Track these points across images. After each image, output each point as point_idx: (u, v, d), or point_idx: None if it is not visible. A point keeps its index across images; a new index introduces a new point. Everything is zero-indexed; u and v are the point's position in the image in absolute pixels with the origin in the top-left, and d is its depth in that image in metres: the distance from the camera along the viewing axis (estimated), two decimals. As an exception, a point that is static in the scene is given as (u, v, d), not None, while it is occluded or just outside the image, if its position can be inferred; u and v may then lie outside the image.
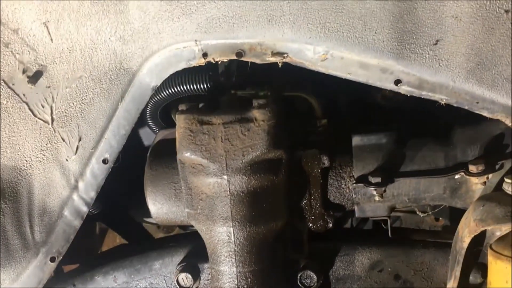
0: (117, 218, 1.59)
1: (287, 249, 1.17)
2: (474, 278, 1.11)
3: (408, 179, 1.13)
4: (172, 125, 1.33)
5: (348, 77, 1.04)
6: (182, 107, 1.08)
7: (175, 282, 1.20)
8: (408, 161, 1.14)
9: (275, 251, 1.13)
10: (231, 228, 1.08)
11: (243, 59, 1.06)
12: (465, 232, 1.02)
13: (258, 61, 1.06)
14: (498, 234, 1.03)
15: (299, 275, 1.16)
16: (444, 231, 1.24)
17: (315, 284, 1.15)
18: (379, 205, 1.17)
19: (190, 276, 1.20)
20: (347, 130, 1.20)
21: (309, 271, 1.16)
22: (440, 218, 1.70)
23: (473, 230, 0.99)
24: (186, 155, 1.06)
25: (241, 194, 1.07)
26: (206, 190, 1.09)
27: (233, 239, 1.08)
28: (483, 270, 1.10)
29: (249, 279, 1.10)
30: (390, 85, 1.03)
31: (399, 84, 1.02)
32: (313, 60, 1.04)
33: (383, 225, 1.22)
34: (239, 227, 1.08)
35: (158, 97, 1.24)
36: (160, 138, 1.28)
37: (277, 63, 1.06)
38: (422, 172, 1.13)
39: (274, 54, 1.04)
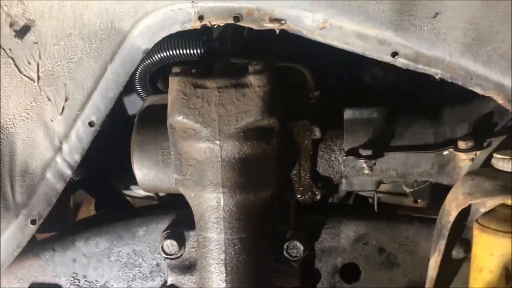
0: (99, 186, 1.56)
1: (274, 220, 1.17)
2: (456, 253, 1.13)
3: (398, 153, 1.14)
4: (161, 91, 1.32)
5: (345, 47, 1.03)
6: (175, 69, 1.06)
7: (160, 249, 1.19)
8: (398, 137, 1.15)
9: (263, 221, 1.13)
10: (221, 195, 1.07)
11: (240, 23, 1.04)
12: (453, 206, 1.04)
13: (255, 26, 1.04)
14: (483, 210, 1.05)
15: (285, 245, 1.16)
16: (427, 208, 1.26)
17: (301, 254, 1.16)
18: (367, 179, 1.18)
19: (175, 243, 1.18)
20: (338, 104, 1.20)
21: (295, 242, 1.16)
22: (419, 200, 1.73)
23: (461, 203, 1.00)
24: (178, 118, 1.04)
25: (233, 160, 1.05)
26: (197, 155, 1.07)
27: (222, 206, 1.07)
28: (466, 245, 1.12)
29: (236, 246, 1.09)
30: (387, 57, 1.02)
31: (396, 57, 1.02)
32: (311, 28, 1.03)
33: (369, 201, 1.24)
34: (229, 193, 1.07)
35: (148, 61, 1.22)
36: (148, 103, 1.25)
37: (273, 30, 1.05)
38: (412, 147, 1.14)
39: (272, 20, 1.03)
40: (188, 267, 1.19)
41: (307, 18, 1.01)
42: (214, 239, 1.09)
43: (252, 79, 1.02)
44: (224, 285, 1.10)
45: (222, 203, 1.07)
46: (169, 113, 1.07)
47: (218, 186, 1.06)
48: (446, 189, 1.27)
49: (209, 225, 1.09)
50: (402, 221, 1.21)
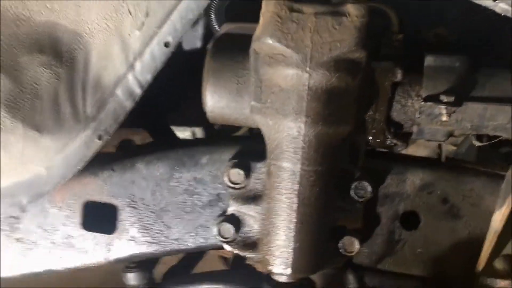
0: (151, 117, 1.55)
1: (344, 158, 1.16)
2: (522, 209, 1.14)
3: (476, 104, 1.13)
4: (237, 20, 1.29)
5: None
6: (268, -10, 1.03)
7: (226, 177, 1.18)
8: (479, 87, 1.14)
9: (337, 157, 1.12)
10: (303, 124, 1.05)
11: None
12: (533, 159, 1.04)
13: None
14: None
15: (353, 185, 1.16)
16: (495, 165, 1.26)
17: (368, 196, 1.16)
18: (439, 128, 1.18)
19: (242, 172, 1.17)
20: (418, 49, 1.19)
21: (363, 182, 1.15)
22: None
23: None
24: (268, 41, 1.02)
25: (319, 90, 1.04)
26: (282, 82, 1.06)
27: (302, 135, 1.06)
28: (532, 202, 1.14)
29: (311, 178, 1.08)
30: (487, 1, 1.01)
31: (496, 1, 1.00)
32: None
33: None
34: (311, 124, 1.05)
35: (231, -15, 1.19)
36: (223, 31, 1.23)
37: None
38: (492, 99, 1.13)
39: None
40: (252, 198, 1.19)
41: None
42: (289, 168, 1.09)
43: (350, 8, 1.00)
44: (295, 215, 1.10)
45: (303, 132, 1.06)
46: (258, 36, 1.04)
47: (302, 115, 1.05)
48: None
49: (286, 155, 1.08)
50: (469, 173, 1.21)
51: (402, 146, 1.22)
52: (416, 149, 1.91)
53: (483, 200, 1.20)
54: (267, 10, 1.02)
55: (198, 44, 1.56)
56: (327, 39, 1.01)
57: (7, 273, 1.31)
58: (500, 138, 1.21)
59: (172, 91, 1.55)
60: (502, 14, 1.02)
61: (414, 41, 1.41)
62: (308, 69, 1.02)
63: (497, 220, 1.13)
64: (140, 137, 1.82)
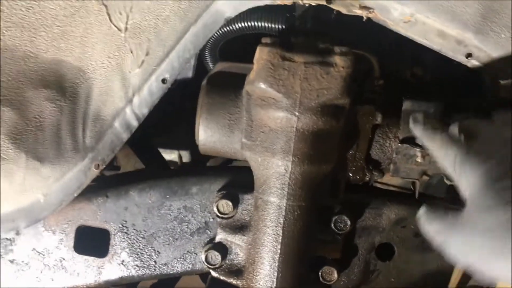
0: (142, 143, 1.61)
1: (325, 193, 1.25)
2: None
3: (448, 147, 1.23)
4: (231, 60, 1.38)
5: (424, 42, 1.12)
6: (266, 40, 1.12)
7: (215, 207, 1.25)
8: (451, 132, 1.24)
9: (319, 192, 1.21)
10: (290, 163, 1.14)
11: (331, 6, 1.11)
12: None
13: (344, 11, 1.12)
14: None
15: (333, 218, 1.25)
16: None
17: (348, 228, 1.24)
18: (413, 167, 1.27)
19: (230, 203, 1.25)
20: (397, 92, 1.29)
21: (343, 216, 1.24)
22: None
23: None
24: (260, 86, 1.11)
25: (306, 132, 1.13)
26: (271, 123, 1.14)
27: (289, 173, 1.14)
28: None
29: (295, 213, 1.17)
30: (460, 57, 1.12)
31: (469, 58, 1.11)
32: (396, 20, 1.11)
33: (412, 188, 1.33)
34: (298, 162, 1.14)
35: (226, 29, 1.27)
36: (218, 69, 1.30)
37: (359, 17, 1.12)
38: (462, 143, 1.24)
39: (362, 7, 1.11)
40: (239, 228, 1.26)
41: (395, 10, 1.09)
42: (275, 203, 1.17)
43: (338, 60, 1.09)
44: (279, 246, 1.17)
45: (289, 170, 1.14)
46: (252, 80, 1.13)
47: (289, 154, 1.14)
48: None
49: (273, 190, 1.16)
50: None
51: (379, 176, 1.32)
52: (390, 178, 2.02)
53: (452, 235, 1.30)
54: (261, 57, 1.11)
55: (189, 74, 1.64)
56: (315, 87, 1.10)
57: (-3, 292, 1.35)
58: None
59: (160, 116, 1.61)
60: (473, 70, 1.13)
61: (392, 79, 1.53)
62: (297, 113, 1.11)
63: (464, 254, 1.23)
64: (123, 154, 1.88)
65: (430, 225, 0.95)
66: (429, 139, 1.04)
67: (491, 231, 0.81)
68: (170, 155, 1.94)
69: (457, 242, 0.88)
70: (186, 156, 1.96)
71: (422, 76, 1.52)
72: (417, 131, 1.10)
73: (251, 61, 1.14)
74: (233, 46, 1.43)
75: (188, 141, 1.95)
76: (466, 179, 0.91)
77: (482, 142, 0.94)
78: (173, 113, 1.68)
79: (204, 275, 2.16)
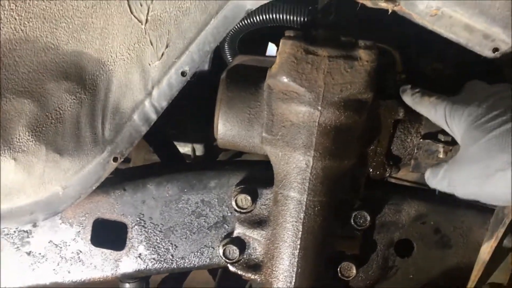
0: (157, 136, 1.60)
1: (345, 189, 1.24)
2: (507, 242, 1.23)
3: (469, 144, 1.22)
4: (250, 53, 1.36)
5: (450, 36, 1.10)
6: (289, 33, 1.10)
7: (233, 201, 1.25)
8: (473, 128, 1.22)
9: (340, 187, 1.20)
10: (311, 158, 1.13)
11: (356, -1, 1.10)
12: (522, 198, 1.13)
13: (369, 4, 1.10)
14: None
15: (353, 214, 1.24)
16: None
17: (367, 224, 1.23)
18: (434, 163, 1.26)
19: (249, 198, 1.24)
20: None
21: (363, 212, 1.23)
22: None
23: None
24: (283, 80, 1.09)
25: (328, 127, 1.11)
26: (293, 118, 1.13)
27: (310, 168, 1.13)
28: (517, 236, 1.23)
29: (316, 208, 1.16)
30: (487, 52, 1.10)
31: (496, 52, 1.09)
32: (422, 14, 1.09)
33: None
34: (319, 157, 1.13)
35: (247, 21, 1.26)
36: (237, 62, 1.29)
37: (385, 10, 1.10)
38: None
39: (387, 0, 1.09)
40: (258, 222, 1.25)
41: (421, 3, 1.07)
42: (296, 198, 1.16)
43: (362, 53, 1.08)
44: (299, 242, 1.17)
45: (311, 165, 1.13)
46: (274, 74, 1.11)
47: (310, 149, 1.12)
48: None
49: (294, 185, 1.15)
50: (460, 206, 1.29)
51: (394, 171, 1.31)
52: (406, 173, 2.00)
53: (472, 232, 1.29)
54: (284, 51, 1.09)
55: (205, 66, 1.63)
56: (338, 81, 1.08)
57: (13, 284, 1.35)
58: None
59: (175, 109, 1.61)
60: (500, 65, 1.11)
61: (413, 74, 1.51)
62: (319, 107, 1.10)
63: (485, 251, 1.21)
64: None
65: (435, 177, 1.09)
66: (419, 103, 1.14)
67: (477, 160, 0.96)
68: (183, 148, 1.94)
69: (457, 177, 1.03)
70: (199, 150, 1.96)
71: (442, 71, 1.51)
72: (407, 99, 1.17)
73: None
74: (251, 38, 1.42)
75: (201, 134, 1.96)
76: (456, 124, 1.03)
77: (466, 92, 1.08)
78: (187, 105, 1.67)
79: (213, 270, 2.18)
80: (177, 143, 1.90)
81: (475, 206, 1.30)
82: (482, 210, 1.29)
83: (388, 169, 1.26)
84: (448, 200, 1.31)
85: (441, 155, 1.22)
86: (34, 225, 1.31)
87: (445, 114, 1.06)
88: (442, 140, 1.20)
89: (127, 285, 1.49)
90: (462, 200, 1.31)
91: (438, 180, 1.08)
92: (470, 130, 0.99)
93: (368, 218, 1.23)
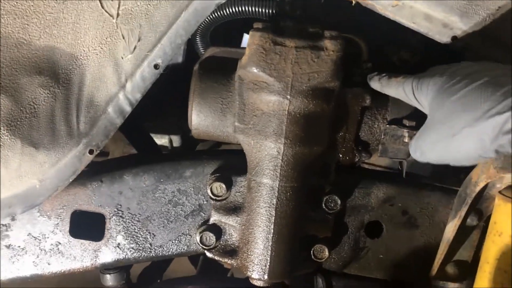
0: (133, 128, 1.62)
1: (316, 174, 1.29)
2: (471, 220, 1.29)
3: (434, 128, 1.28)
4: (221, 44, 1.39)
5: (412, 26, 1.15)
6: (257, 25, 1.14)
7: (209, 189, 1.28)
8: (437, 112, 1.28)
9: (311, 173, 1.24)
10: (282, 145, 1.17)
11: (322, -10, 1.14)
12: (482, 178, 1.19)
13: (334, -5, 1.14)
14: (498, 185, 1.21)
15: (324, 198, 1.29)
16: (450, 180, 1.41)
17: (338, 208, 1.28)
18: (401, 148, 1.31)
19: (224, 186, 1.28)
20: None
21: (334, 196, 1.28)
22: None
23: (492, 176, 1.15)
24: (253, 70, 1.13)
25: (297, 115, 1.16)
26: (264, 107, 1.17)
27: (281, 155, 1.18)
28: (479, 214, 1.29)
29: (288, 194, 1.20)
30: (446, 40, 1.15)
31: (454, 40, 1.14)
32: (385, 5, 1.13)
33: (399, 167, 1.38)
34: (290, 144, 1.17)
35: (217, 13, 1.29)
36: (209, 54, 1.32)
37: (349, 1, 1.15)
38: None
39: (351, -9, 1.13)
40: (233, 209, 1.29)
41: (384, -6, 1.12)
42: (268, 184, 1.20)
43: (328, 44, 1.12)
44: (272, 226, 1.21)
45: (282, 152, 1.17)
46: (244, 65, 1.15)
47: (281, 137, 1.17)
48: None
49: (266, 172, 1.20)
50: (426, 188, 1.35)
51: (366, 157, 1.36)
52: (377, 158, 2.06)
53: (437, 212, 1.35)
54: (253, 42, 1.13)
55: (179, 59, 1.65)
56: (306, 70, 1.12)
57: (-7, 277, 1.37)
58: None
59: (150, 101, 1.63)
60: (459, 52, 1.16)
61: (380, 62, 1.56)
62: (288, 96, 1.14)
63: (450, 230, 1.28)
64: (112, 139, 1.89)
65: (411, 149, 1.14)
66: (387, 85, 1.19)
67: (442, 122, 1.02)
68: (160, 140, 1.96)
69: (425, 143, 1.08)
70: (176, 141, 1.99)
71: (408, 60, 1.56)
72: (375, 84, 1.23)
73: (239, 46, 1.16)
74: (222, 30, 1.45)
75: (178, 126, 1.98)
76: (424, 95, 1.09)
77: (430, 70, 1.12)
78: (163, 98, 1.70)
79: (194, 258, 2.22)
80: (154, 135, 1.92)
81: (440, 188, 1.36)
82: (447, 192, 1.35)
83: (357, 155, 1.31)
84: (414, 183, 1.37)
85: (406, 140, 1.27)
86: (13, 219, 1.33)
87: (412, 89, 1.11)
88: (407, 125, 1.25)
89: (108, 276, 1.52)
90: (428, 183, 1.39)
91: (412, 151, 1.14)
92: (436, 96, 1.04)
93: (339, 201, 1.28)
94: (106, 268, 1.46)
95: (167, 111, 1.88)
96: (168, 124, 1.94)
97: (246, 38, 1.74)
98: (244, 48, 1.24)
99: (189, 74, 1.35)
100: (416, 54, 1.53)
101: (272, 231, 1.22)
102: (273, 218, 1.21)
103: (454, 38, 1.14)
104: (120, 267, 1.51)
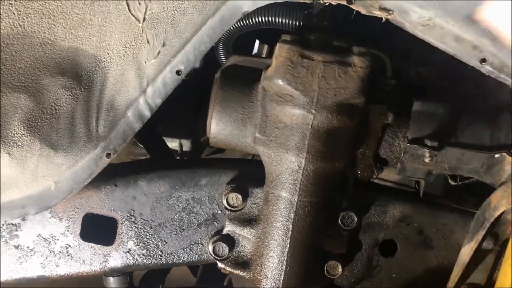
0: (147, 132, 1.60)
1: (335, 189, 1.27)
2: (487, 244, 1.28)
3: (455, 149, 1.26)
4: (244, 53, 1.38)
5: (441, 46, 1.14)
6: (286, 37, 1.12)
7: (224, 199, 1.27)
8: (458, 133, 1.27)
9: (329, 188, 1.23)
10: (303, 159, 1.16)
11: (352, 6, 1.12)
12: (502, 203, 1.18)
13: (363, 11, 1.12)
14: (516, 212, 1.20)
15: (341, 214, 1.27)
16: (467, 202, 1.40)
17: (354, 224, 1.27)
18: (419, 167, 1.30)
19: (240, 196, 1.26)
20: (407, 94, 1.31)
21: (350, 212, 1.27)
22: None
23: (512, 202, 1.15)
24: (278, 82, 1.12)
25: (321, 130, 1.14)
26: (287, 120, 1.15)
27: (302, 169, 1.16)
28: (496, 238, 1.28)
29: (306, 209, 1.19)
30: (475, 62, 1.13)
31: (483, 63, 1.13)
32: (415, 23, 1.12)
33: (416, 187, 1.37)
34: (311, 159, 1.16)
35: (243, 22, 1.27)
36: (231, 62, 1.31)
37: (379, 18, 1.13)
38: (469, 145, 1.27)
39: (381, 8, 1.11)
40: (248, 221, 1.28)
41: (414, 12, 1.10)
42: (287, 198, 1.19)
43: (356, 60, 1.11)
44: (289, 241, 1.20)
45: (303, 167, 1.16)
46: (269, 76, 1.14)
47: (303, 151, 1.15)
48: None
49: (285, 185, 1.18)
50: (444, 209, 1.34)
51: (378, 173, 1.34)
52: (388, 173, 2.05)
53: (453, 234, 1.34)
54: (280, 54, 1.11)
55: (196, 64, 1.63)
56: (332, 85, 1.11)
57: (1, 277, 1.35)
58: (472, 180, 1.35)
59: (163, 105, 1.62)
60: (487, 75, 1.15)
61: (398, 78, 1.55)
62: (313, 111, 1.12)
63: (466, 253, 1.26)
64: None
65: None
66: None
67: None
68: (170, 144, 1.94)
69: None
70: (186, 145, 1.97)
71: (425, 75, 1.56)
72: None
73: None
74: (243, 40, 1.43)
75: (189, 130, 1.96)
76: None
77: None
78: (175, 101, 1.68)
79: (193, 268, 2.19)
80: (165, 138, 1.91)
81: (457, 209, 1.35)
82: (464, 213, 1.34)
83: (375, 171, 1.29)
84: (432, 203, 1.36)
85: (426, 160, 1.26)
86: (23, 219, 1.31)
87: None
88: (429, 145, 1.24)
89: (111, 278, 1.50)
90: (445, 203, 1.38)
91: None
92: None
93: (355, 218, 1.27)
94: (117, 273, 1.44)
95: (179, 115, 1.87)
96: (180, 128, 1.93)
97: (257, 44, 1.73)
98: (267, 58, 1.23)
99: (202, 78, 1.33)
100: (432, 70, 1.54)
101: (288, 245, 1.20)
102: (290, 232, 1.19)
103: (482, 61, 1.13)
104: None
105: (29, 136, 1.10)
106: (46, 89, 1.10)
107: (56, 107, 1.13)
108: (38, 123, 1.11)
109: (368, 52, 1.13)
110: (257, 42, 1.66)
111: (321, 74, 1.10)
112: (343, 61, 1.11)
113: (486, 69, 1.14)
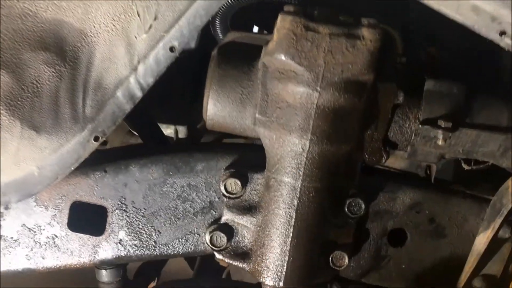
0: (141, 119, 1.51)
1: (340, 174, 1.18)
2: (503, 232, 1.20)
3: (471, 130, 1.17)
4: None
5: (457, 17, 1.04)
6: (288, 8, 1.03)
7: (222, 186, 1.18)
8: (474, 114, 1.18)
9: (335, 173, 1.14)
10: (307, 141, 1.07)
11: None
12: (521, 189, 1.10)
13: (374, -19, 1.04)
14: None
15: (347, 201, 1.18)
16: (481, 187, 1.31)
17: (362, 212, 1.18)
18: (431, 151, 1.21)
19: (239, 183, 1.18)
20: (418, 73, 1.22)
21: (358, 199, 1.18)
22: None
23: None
24: (280, 57, 1.02)
25: (327, 109, 1.05)
26: (290, 98, 1.06)
27: (306, 152, 1.07)
28: (512, 227, 1.20)
29: (311, 195, 1.10)
30: (494, 35, 1.04)
31: (503, 36, 1.04)
32: (429, -8, 1.03)
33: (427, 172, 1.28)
34: (316, 141, 1.07)
35: (241, -5, 1.18)
36: (229, 39, 1.21)
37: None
38: (485, 126, 1.18)
39: (393, -24, 1.03)
40: (247, 208, 1.19)
41: (428, -19, 1.02)
42: (289, 184, 1.10)
43: (365, 32, 1.01)
44: (292, 230, 1.11)
45: (307, 149, 1.07)
46: (270, 51, 1.04)
47: (307, 133, 1.06)
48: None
49: (288, 170, 1.09)
50: (456, 195, 1.26)
51: (387, 157, 1.26)
52: (394, 161, 1.96)
53: (467, 222, 1.26)
54: (282, 27, 1.02)
55: (192, 44, 1.54)
56: (339, 60, 1.02)
57: (-17, 269, 1.26)
58: (487, 164, 1.27)
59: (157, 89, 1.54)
60: (506, 49, 1.06)
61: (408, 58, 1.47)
62: (318, 88, 1.03)
63: (481, 242, 1.19)
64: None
65: None
66: None
67: None
68: (165, 130, 1.85)
69: None
70: (182, 132, 1.88)
71: (436, 55, 1.47)
72: None
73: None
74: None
75: (184, 115, 1.88)
76: None
77: None
78: (170, 84, 1.59)
79: (190, 260, 2.12)
80: (160, 125, 1.82)
81: (470, 195, 1.27)
82: (478, 200, 1.26)
83: (384, 156, 1.21)
84: (444, 189, 1.28)
85: (439, 142, 1.17)
86: (6, 208, 1.22)
87: None
88: (443, 126, 1.15)
89: (103, 271, 1.42)
90: (458, 190, 1.29)
91: None
92: None
93: (363, 206, 1.18)
94: (107, 265, 1.36)
95: (174, 99, 1.78)
96: (175, 113, 1.84)
97: (256, 30, 1.64)
98: (268, 34, 1.14)
99: (199, 60, 1.24)
100: (443, 50, 1.45)
101: (291, 234, 1.12)
102: (293, 220, 1.11)
103: (502, 33, 1.04)
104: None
105: (8, 116, 1.01)
106: (26, 65, 1.01)
107: (38, 84, 1.03)
108: (18, 102, 1.02)
109: (379, 25, 1.04)
110: (255, 28, 1.57)
111: (327, 48, 1.01)
112: (351, 34, 1.01)
113: (505, 42, 1.05)
